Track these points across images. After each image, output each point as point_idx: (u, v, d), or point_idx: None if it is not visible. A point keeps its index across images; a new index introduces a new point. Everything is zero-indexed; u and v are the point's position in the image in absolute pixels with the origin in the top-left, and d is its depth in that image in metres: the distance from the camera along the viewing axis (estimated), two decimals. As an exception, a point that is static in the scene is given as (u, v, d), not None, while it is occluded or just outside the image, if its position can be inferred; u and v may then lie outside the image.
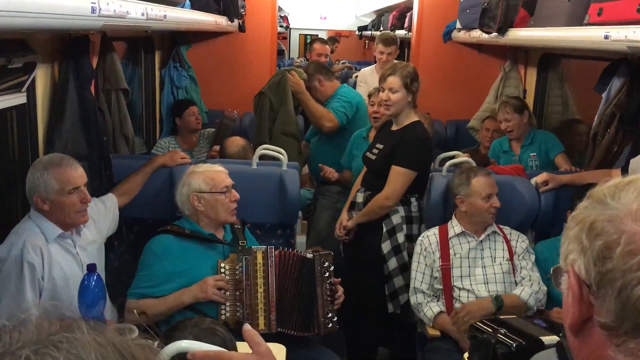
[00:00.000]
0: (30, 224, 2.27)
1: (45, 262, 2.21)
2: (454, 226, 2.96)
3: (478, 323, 1.98)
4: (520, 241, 2.93)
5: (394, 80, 3.09)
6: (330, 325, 2.60)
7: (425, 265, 2.93)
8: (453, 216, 3.00)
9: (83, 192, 2.31)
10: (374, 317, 3.27)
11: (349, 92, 4.21)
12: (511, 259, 2.88)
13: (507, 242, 2.92)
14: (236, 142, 3.81)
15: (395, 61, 4.37)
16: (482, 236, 2.91)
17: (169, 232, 2.59)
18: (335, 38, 11.54)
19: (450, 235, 2.94)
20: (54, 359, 0.58)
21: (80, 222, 2.37)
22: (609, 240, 0.78)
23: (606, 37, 2.30)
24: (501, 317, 2.11)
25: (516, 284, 2.85)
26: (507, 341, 1.85)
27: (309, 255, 2.60)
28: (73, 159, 2.35)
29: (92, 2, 1.63)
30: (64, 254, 2.32)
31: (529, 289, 2.78)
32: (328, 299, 2.60)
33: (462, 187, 2.90)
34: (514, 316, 2.14)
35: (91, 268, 2.06)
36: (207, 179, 2.63)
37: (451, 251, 2.91)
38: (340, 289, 2.65)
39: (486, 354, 1.89)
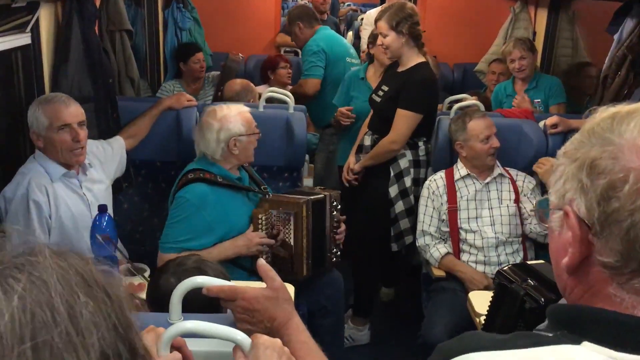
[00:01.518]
0: (35, 164, 2.29)
1: (51, 200, 2.23)
2: (460, 169, 2.97)
3: (506, 269, 1.92)
4: (527, 182, 2.94)
5: (381, 25, 3.06)
6: (335, 259, 2.71)
7: (433, 208, 2.95)
8: (458, 159, 3.00)
9: (75, 130, 2.28)
10: (378, 257, 3.32)
11: (311, 43, 4.11)
12: (517, 200, 2.89)
13: (514, 183, 2.93)
14: (236, 84, 3.79)
15: (393, 2, 4.28)
16: (488, 179, 2.92)
17: (202, 180, 2.51)
18: (339, -21, 11.26)
19: (456, 178, 2.95)
20: (17, 280, 0.58)
21: (73, 161, 2.34)
22: (614, 179, 0.74)
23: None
24: (529, 262, 2.05)
25: (522, 224, 2.88)
26: (536, 295, 1.77)
27: (320, 196, 2.62)
28: (68, 97, 2.33)
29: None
30: (70, 193, 2.34)
31: (535, 226, 2.81)
32: (334, 235, 2.68)
33: (460, 132, 2.90)
34: (542, 262, 2.02)
35: (102, 208, 2.08)
36: (244, 122, 2.57)
37: (458, 194, 2.93)
38: (343, 225, 2.72)
39: (512, 306, 1.82)
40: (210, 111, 2.63)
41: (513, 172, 2.98)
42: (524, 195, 2.90)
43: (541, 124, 3.10)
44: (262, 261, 1.27)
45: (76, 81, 2.57)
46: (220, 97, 3.78)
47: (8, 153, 2.51)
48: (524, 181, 2.94)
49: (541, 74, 4.01)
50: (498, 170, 2.94)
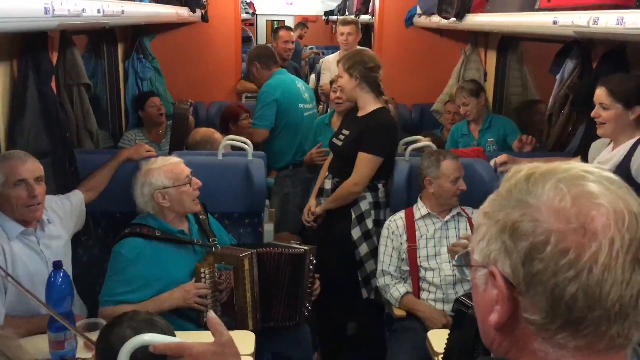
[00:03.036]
0: (-8, 222, 2.28)
1: (8, 260, 2.22)
2: (420, 208, 3.03)
3: (463, 297, 1.98)
4: None
5: (339, 67, 3.22)
6: (307, 313, 2.70)
7: (393, 248, 3.01)
8: (418, 199, 3.07)
9: (31, 186, 2.27)
10: (345, 301, 3.35)
11: (265, 91, 4.20)
12: None
13: (470, 222, 3.01)
14: (197, 133, 3.85)
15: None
16: (447, 217, 2.99)
17: (138, 234, 2.52)
18: (303, 23, 11.50)
19: (416, 218, 3.02)
20: None
21: (30, 217, 2.33)
22: (536, 241, 0.77)
23: (554, 23, 2.39)
24: None
25: None
26: None
27: (300, 251, 2.62)
28: (26, 154, 2.32)
29: (44, 3, 1.64)
30: (28, 251, 2.33)
31: None
32: (309, 290, 2.68)
33: (432, 169, 2.96)
34: None
35: (57, 265, 2.07)
36: (168, 173, 2.58)
37: (417, 233, 2.99)
38: (318, 282, 2.72)
39: (470, 329, 1.84)
40: (142, 165, 2.68)
41: (469, 210, 3.06)
42: None
43: (492, 162, 3.21)
44: (212, 314, 1.29)
45: (32, 137, 2.58)
46: (186, 145, 3.83)
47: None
48: None
49: (494, 115, 4.17)
50: (456, 209, 3.02)
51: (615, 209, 0.77)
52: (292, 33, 5.79)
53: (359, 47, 4.58)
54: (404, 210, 3.08)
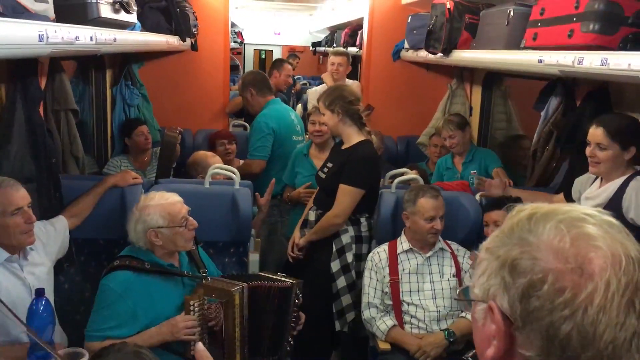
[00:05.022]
0: (-23, 248, 2.24)
1: (-9, 288, 2.18)
2: (402, 242, 3.04)
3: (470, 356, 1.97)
4: (467, 258, 3.03)
5: (320, 104, 3.28)
6: (289, 348, 2.67)
7: (377, 280, 3.00)
8: (402, 232, 3.08)
9: (27, 213, 2.28)
10: (321, 332, 3.32)
11: (261, 121, 4.22)
12: (458, 275, 2.98)
13: (455, 258, 3.02)
14: (194, 156, 3.85)
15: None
16: (430, 252, 2.99)
17: (127, 267, 2.47)
18: (295, 54, 11.61)
19: (399, 251, 3.02)
20: None
21: (26, 242, 2.33)
22: (534, 279, 0.79)
23: (540, 61, 2.44)
24: None
25: None
26: None
27: (287, 284, 2.60)
28: (14, 181, 2.31)
29: (39, 30, 1.65)
30: (11, 277, 2.29)
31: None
32: (293, 324, 2.66)
33: (409, 204, 2.98)
34: None
35: (39, 292, 2.04)
36: (164, 213, 2.50)
37: (400, 267, 2.99)
38: (303, 316, 2.70)
39: None
40: (141, 199, 2.64)
41: (454, 245, 3.07)
42: (464, 272, 2.99)
43: (477, 196, 3.24)
44: (200, 346, 1.27)
45: (18, 162, 2.56)
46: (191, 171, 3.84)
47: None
48: (463, 257, 3.03)
49: (477, 148, 4.22)
50: (439, 244, 3.02)
51: (613, 252, 0.79)
52: (291, 67, 5.85)
53: (337, 83, 4.65)
54: (387, 243, 3.09)
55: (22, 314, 2.12)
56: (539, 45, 2.57)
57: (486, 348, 0.86)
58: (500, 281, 0.83)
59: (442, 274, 2.97)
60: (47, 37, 1.68)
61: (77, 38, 1.95)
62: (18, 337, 2.20)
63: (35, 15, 1.80)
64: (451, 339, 2.81)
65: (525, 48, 2.69)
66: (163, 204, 2.55)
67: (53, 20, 1.95)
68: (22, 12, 1.74)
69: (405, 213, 3.00)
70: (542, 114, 3.61)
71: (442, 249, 3.02)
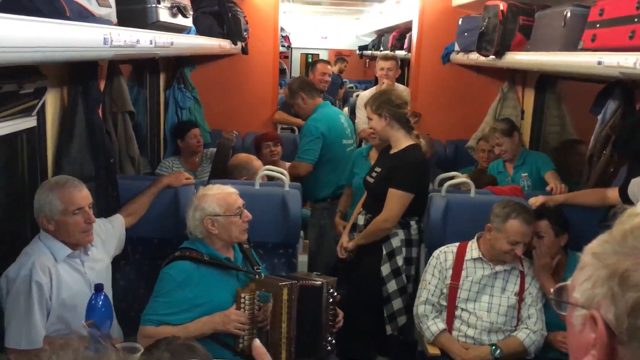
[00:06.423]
0: (40, 244, 2.33)
1: (53, 282, 2.26)
2: (473, 250, 2.93)
3: None
4: (535, 281, 2.88)
5: (368, 109, 3.30)
6: (330, 348, 2.67)
7: (439, 279, 2.94)
8: (475, 238, 2.97)
9: (87, 213, 2.36)
10: (369, 336, 3.31)
11: (312, 125, 4.23)
12: (520, 293, 2.86)
13: (522, 277, 2.88)
14: (235, 159, 3.91)
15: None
16: (499, 268, 2.87)
17: (188, 258, 2.58)
18: (343, 58, 11.62)
19: (467, 258, 2.92)
20: None
21: (85, 241, 2.41)
22: None
23: (599, 63, 2.37)
24: None
25: (518, 321, 2.85)
26: None
27: (317, 283, 2.62)
28: (78, 181, 2.41)
29: (104, 34, 1.70)
30: (73, 273, 2.37)
31: (533, 335, 2.78)
32: (330, 323, 2.66)
33: (498, 219, 2.80)
34: None
35: (98, 287, 2.11)
36: (221, 202, 2.63)
37: (464, 272, 2.90)
38: (341, 314, 2.70)
39: None
40: (200, 189, 2.75)
41: (526, 264, 2.91)
42: (528, 292, 2.87)
43: (530, 201, 3.17)
44: (258, 342, 1.28)
45: (78, 162, 2.65)
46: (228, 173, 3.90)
47: (10, 233, 2.55)
48: (531, 280, 2.88)
49: (529, 151, 4.14)
50: (512, 264, 2.88)
51: None
52: (328, 66, 5.87)
53: (384, 87, 4.65)
54: (457, 244, 2.99)
55: (82, 308, 2.20)
56: (598, 47, 2.50)
57: (582, 356, 0.82)
58: (607, 291, 0.78)
59: (504, 289, 2.87)
60: (112, 40, 1.73)
61: (138, 41, 2.00)
62: (78, 330, 2.27)
63: (100, 19, 1.86)
64: (497, 356, 2.76)
65: (583, 50, 2.62)
66: (221, 193, 2.67)
67: (115, 24, 2.01)
68: (87, 17, 1.80)
69: (489, 225, 2.84)
70: (599, 117, 3.51)
71: (513, 268, 2.90)
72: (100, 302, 2.11)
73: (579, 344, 0.83)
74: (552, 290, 0.89)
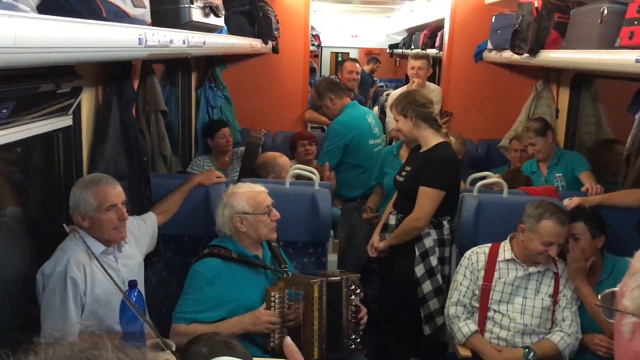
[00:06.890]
0: (75, 240, 2.36)
1: (87, 278, 2.30)
2: (505, 251, 2.89)
3: None
4: (570, 283, 2.83)
5: (393, 111, 3.29)
6: (354, 346, 2.64)
7: (470, 280, 2.91)
8: (508, 238, 2.93)
9: (120, 210, 2.39)
10: (405, 337, 3.29)
11: (336, 129, 4.25)
12: (555, 295, 2.81)
13: (557, 279, 2.84)
14: (263, 157, 3.93)
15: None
16: (533, 269, 2.83)
17: (217, 255, 2.61)
18: (376, 58, 11.59)
19: (499, 259, 2.88)
20: None
21: (118, 238, 2.44)
22: None
23: (637, 61, 2.31)
24: None
25: (552, 323, 2.81)
26: None
27: (336, 278, 2.62)
28: (112, 178, 2.44)
29: (139, 34, 1.73)
30: (107, 269, 2.41)
31: (567, 337, 2.74)
32: (352, 320, 2.65)
33: (531, 220, 2.75)
34: None
35: (132, 284, 2.14)
36: (250, 200, 2.65)
37: (496, 274, 2.86)
38: (364, 310, 2.68)
39: None
40: (230, 187, 2.77)
41: (561, 265, 2.86)
42: (563, 294, 2.82)
43: (565, 201, 3.12)
44: (289, 340, 1.29)
45: (112, 160, 2.70)
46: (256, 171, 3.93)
47: (46, 229, 2.61)
48: (566, 282, 2.84)
49: (563, 151, 4.06)
50: (546, 265, 2.84)
51: None
52: (356, 65, 5.86)
53: (410, 88, 4.63)
54: (489, 245, 2.95)
55: (115, 304, 2.23)
56: (636, 45, 2.44)
57: None
58: None
59: (538, 291, 2.82)
60: (146, 40, 1.76)
61: (171, 41, 2.03)
62: (111, 326, 2.31)
63: (135, 19, 1.89)
64: (530, 358, 2.71)
65: (620, 47, 2.56)
66: (250, 191, 2.69)
67: (149, 25, 2.03)
68: (122, 17, 1.82)
69: (522, 226, 2.80)
70: (637, 116, 3.42)
71: (547, 269, 2.85)
72: (134, 298, 2.14)
73: (628, 352, 0.81)
74: (598, 296, 0.86)
